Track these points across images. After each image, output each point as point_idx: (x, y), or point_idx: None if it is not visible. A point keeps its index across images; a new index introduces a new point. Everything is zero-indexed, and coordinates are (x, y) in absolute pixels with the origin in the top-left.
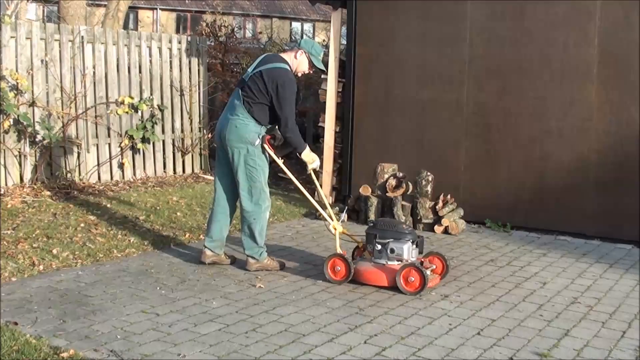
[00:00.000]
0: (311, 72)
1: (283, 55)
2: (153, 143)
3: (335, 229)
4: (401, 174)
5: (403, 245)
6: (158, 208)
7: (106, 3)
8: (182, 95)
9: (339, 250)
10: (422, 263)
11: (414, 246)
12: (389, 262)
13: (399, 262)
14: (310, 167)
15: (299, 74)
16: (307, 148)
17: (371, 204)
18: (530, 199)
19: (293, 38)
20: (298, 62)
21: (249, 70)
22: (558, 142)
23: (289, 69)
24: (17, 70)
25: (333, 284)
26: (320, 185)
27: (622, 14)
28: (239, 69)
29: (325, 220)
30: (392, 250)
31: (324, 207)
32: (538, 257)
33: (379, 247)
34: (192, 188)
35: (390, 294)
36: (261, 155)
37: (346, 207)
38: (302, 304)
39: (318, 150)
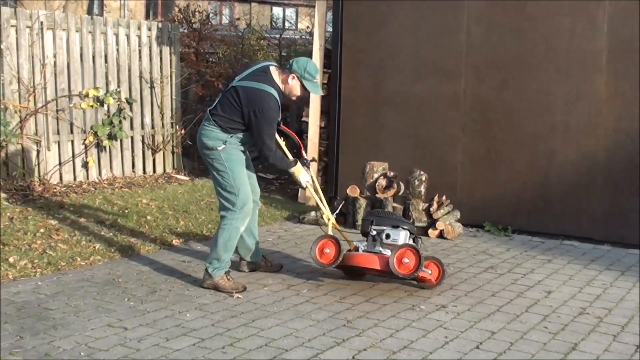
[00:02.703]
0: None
1: (275, 73)
2: (120, 140)
3: (328, 219)
4: (392, 174)
5: (400, 231)
6: (126, 211)
7: None
8: (152, 87)
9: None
10: None
11: (411, 236)
12: (383, 251)
13: None
14: (302, 184)
15: (293, 98)
16: (296, 165)
17: (359, 206)
18: (533, 201)
19: (274, 25)
20: (290, 87)
21: (237, 78)
22: (564, 138)
23: (272, 93)
24: None
25: (318, 267)
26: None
27: None
28: (215, 59)
29: (320, 209)
30: (388, 236)
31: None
32: (542, 264)
33: (374, 232)
34: (163, 189)
35: (380, 304)
36: (231, 159)
37: (336, 210)
38: (284, 316)
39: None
